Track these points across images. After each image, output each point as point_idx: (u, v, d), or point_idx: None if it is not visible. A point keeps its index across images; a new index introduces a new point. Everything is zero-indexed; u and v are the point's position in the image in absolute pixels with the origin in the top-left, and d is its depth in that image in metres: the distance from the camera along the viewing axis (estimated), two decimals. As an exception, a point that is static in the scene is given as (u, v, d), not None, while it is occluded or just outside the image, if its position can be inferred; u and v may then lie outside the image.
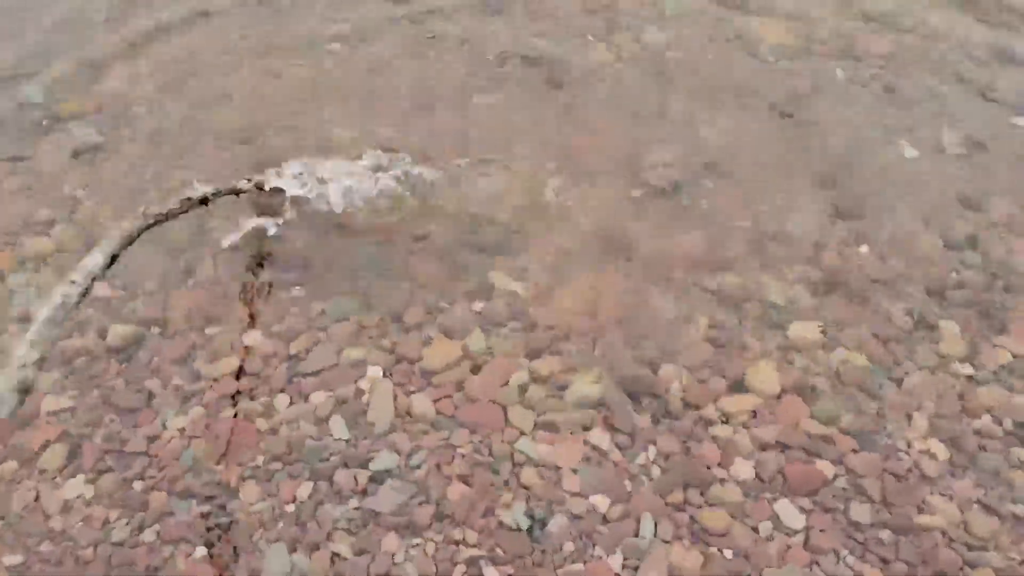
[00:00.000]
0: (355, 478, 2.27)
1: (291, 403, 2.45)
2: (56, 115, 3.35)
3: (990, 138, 3.43)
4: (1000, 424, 2.48)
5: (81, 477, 2.28)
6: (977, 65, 3.80)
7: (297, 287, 2.77)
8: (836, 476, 2.34)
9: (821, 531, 2.22)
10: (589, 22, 3.98)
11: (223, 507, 2.21)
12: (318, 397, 2.46)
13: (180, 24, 3.85)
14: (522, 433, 2.40)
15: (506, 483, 2.29)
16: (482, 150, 3.25)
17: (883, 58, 3.82)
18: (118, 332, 2.59)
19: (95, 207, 2.97)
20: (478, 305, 2.73)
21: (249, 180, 2.87)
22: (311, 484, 2.27)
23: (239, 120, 3.34)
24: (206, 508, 2.21)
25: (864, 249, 2.99)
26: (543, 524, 2.21)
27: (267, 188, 2.90)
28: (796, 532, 2.22)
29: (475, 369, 2.55)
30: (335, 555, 2.13)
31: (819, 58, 3.80)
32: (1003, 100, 3.63)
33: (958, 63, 3.81)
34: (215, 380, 2.49)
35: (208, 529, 2.17)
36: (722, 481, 2.32)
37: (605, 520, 2.23)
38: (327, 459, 2.31)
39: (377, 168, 3.08)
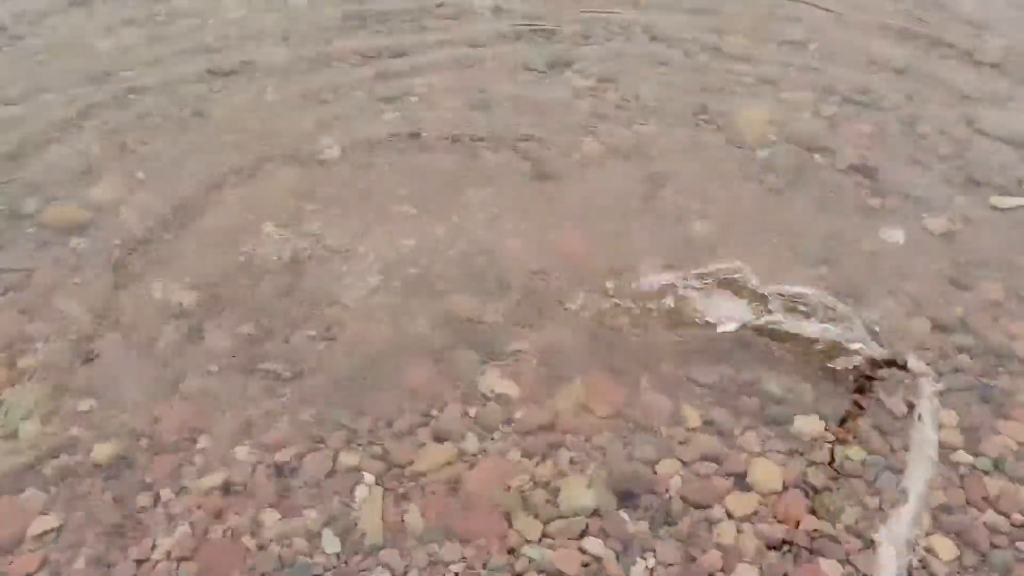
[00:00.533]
0: (347, 598, 2.21)
1: (280, 517, 2.40)
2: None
3: (973, 219, 3.47)
4: (1007, 517, 2.43)
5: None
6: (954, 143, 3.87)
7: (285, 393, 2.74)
8: (843, 578, 2.28)
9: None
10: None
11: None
12: (309, 512, 2.41)
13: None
14: (525, 541, 2.34)
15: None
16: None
17: (865, 138, 3.89)
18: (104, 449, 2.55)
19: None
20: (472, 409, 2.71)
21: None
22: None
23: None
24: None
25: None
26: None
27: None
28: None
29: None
30: None
31: (800, 143, 3.85)
32: (983, 180, 3.68)
33: (936, 143, 3.88)
34: (204, 495, 2.44)
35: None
36: (726, 587, 2.26)
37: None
38: (317, 579, 2.25)
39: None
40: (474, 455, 2.57)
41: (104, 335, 2.89)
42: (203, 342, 2.88)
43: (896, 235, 3.40)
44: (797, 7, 4.91)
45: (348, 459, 2.54)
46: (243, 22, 4.66)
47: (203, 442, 2.58)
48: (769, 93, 4.19)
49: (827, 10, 4.88)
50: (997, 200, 3.57)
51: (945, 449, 2.58)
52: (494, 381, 2.78)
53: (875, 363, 2.78)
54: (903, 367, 2.66)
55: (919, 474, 2.29)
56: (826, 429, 2.66)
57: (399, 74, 4.24)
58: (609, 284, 3.10)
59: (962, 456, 2.60)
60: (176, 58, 4.31)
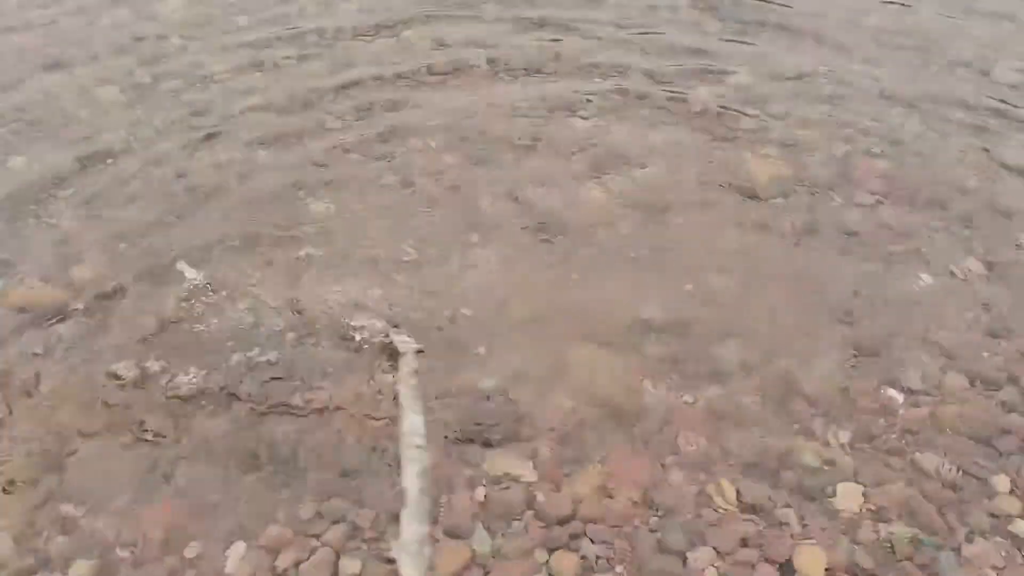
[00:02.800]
0: None
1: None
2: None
3: (1004, 258, 3.29)
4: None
5: None
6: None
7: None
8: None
9: None
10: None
11: None
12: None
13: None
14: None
15: None
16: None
17: (881, 179, 3.72)
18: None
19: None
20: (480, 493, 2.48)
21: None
22: None
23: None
24: None
25: (892, 393, 2.79)
26: None
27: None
28: None
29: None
30: None
31: (815, 188, 3.68)
32: (1010, 213, 3.51)
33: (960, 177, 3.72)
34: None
35: None
36: None
37: None
38: None
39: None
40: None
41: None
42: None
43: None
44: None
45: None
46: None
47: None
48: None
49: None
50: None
51: (1000, 519, 2.39)
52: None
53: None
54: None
55: (411, 468, 2.35)
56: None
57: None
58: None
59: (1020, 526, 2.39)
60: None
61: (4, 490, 2.46)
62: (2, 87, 4.39)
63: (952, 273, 3.24)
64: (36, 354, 2.88)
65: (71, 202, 3.58)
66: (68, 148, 3.90)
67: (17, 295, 3.13)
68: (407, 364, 2.76)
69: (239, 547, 2.34)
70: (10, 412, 2.70)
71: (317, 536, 2.37)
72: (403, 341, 2.86)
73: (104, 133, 4.01)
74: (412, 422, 2.53)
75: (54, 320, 3.01)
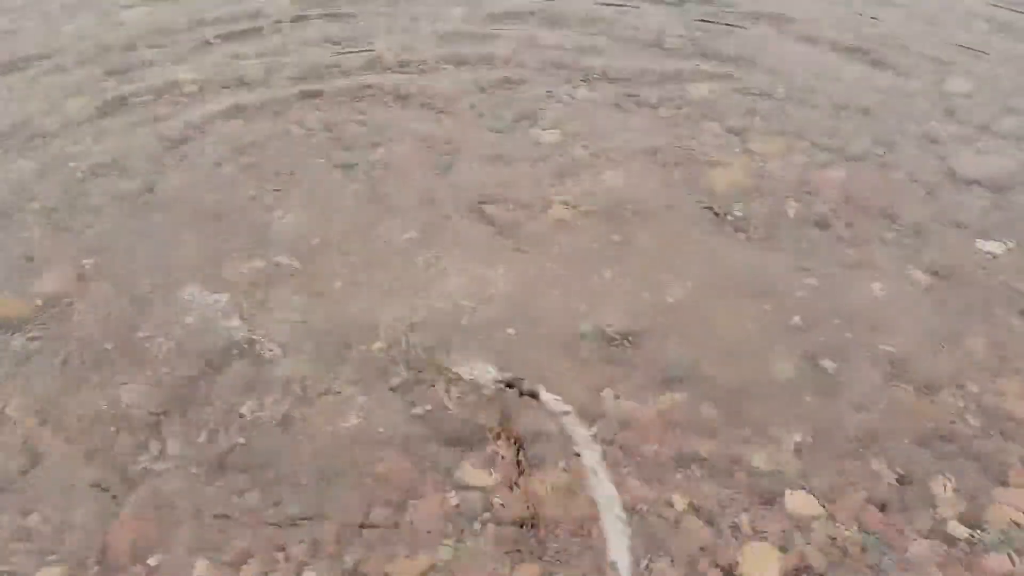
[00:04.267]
0: None
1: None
2: None
3: (956, 266, 3.40)
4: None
5: None
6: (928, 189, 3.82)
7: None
8: None
9: None
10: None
11: None
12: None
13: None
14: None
15: None
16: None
17: (837, 189, 3.82)
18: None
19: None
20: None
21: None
22: None
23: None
24: None
25: (842, 400, 2.88)
26: None
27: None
28: None
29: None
30: None
31: (772, 196, 3.78)
32: (965, 223, 3.62)
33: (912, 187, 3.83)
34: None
35: None
36: None
37: None
38: None
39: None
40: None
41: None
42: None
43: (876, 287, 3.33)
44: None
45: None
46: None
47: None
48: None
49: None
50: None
51: (942, 522, 2.48)
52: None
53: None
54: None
55: (619, 541, 2.29)
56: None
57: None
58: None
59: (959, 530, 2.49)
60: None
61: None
62: None
63: (905, 280, 3.35)
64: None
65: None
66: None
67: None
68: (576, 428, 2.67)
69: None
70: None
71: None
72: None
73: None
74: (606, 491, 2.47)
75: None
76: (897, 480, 2.61)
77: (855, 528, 2.48)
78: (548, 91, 4.47)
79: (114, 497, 2.54)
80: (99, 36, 4.84)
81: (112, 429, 2.73)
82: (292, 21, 5.17)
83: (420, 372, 2.93)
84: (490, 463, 2.63)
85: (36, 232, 3.51)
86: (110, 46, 4.83)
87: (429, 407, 2.80)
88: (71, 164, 3.91)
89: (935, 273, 3.36)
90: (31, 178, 3.81)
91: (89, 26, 4.92)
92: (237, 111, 4.33)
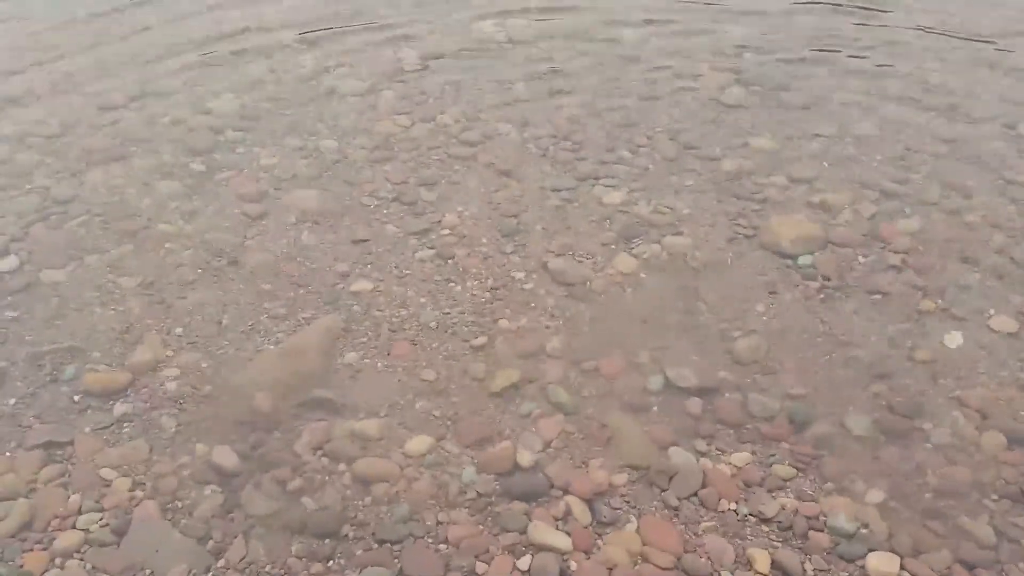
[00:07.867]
0: None
1: None
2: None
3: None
4: None
5: None
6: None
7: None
8: None
9: None
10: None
11: None
12: None
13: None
14: None
15: None
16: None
17: (908, 237, 3.76)
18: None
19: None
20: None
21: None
22: None
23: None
24: None
25: (926, 454, 2.80)
26: None
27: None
28: None
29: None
30: None
31: (843, 248, 3.74)
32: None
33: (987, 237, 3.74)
34: None
35: None
36: None
37: None
38: None
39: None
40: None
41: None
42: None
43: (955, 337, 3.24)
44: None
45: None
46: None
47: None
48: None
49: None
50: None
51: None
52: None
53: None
54: None
55: None
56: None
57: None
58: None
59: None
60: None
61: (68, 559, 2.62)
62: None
63: (985, 329, 3.25)
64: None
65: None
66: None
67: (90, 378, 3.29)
68: None
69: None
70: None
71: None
72: None
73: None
74: None
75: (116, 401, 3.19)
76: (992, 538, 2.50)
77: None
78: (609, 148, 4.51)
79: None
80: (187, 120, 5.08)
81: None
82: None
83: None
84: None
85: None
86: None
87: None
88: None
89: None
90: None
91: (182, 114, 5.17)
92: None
